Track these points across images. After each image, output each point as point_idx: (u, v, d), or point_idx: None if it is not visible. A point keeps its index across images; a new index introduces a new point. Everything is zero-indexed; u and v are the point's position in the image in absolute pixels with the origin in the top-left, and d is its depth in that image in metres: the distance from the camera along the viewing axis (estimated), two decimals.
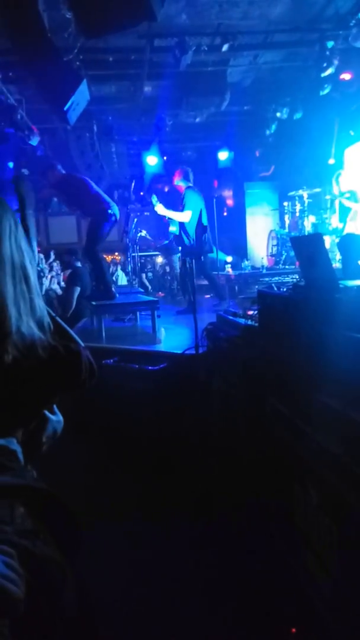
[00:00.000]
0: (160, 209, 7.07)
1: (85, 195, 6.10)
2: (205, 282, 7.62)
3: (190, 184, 7.22)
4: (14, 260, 1.09)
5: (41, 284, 8.78)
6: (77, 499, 1.22)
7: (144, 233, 10.73)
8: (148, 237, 10.77)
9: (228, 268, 9.59)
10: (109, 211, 6.09)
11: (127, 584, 2.49)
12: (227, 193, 13.18)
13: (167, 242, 10.22)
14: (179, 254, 9.98)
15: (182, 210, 6.94)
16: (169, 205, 7.14)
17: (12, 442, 1.00)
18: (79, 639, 0.93)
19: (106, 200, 6.14)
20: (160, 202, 7.05)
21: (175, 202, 7.24)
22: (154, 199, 7.11)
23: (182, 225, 7.05)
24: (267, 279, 8.04)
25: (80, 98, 5.89)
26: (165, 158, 11.31)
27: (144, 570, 2.61)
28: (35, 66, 5.49)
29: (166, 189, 14.40)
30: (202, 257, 7.09)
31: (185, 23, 6.76)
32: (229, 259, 10.21)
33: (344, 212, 8.40)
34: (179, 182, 7.23)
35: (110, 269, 11.82)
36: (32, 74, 5.68)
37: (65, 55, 5.84)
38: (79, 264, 7.83)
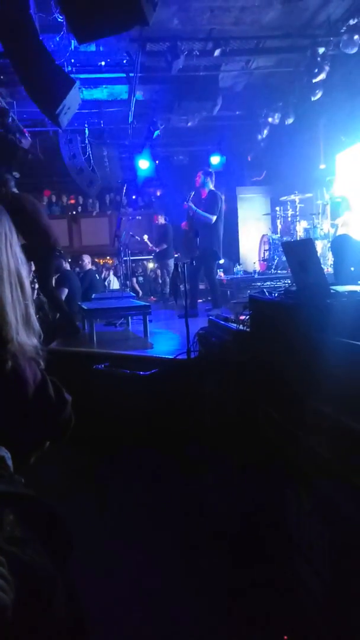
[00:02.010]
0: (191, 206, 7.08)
1: (35, 226, 5.41)
2: (200, 287, 7.61)
3: (212, 187, 7.22)
4: (10, 267, 1.11)
5: (33, 289, 8.76)
6: (66, 504, 1.21)
7: (145, 238, 10.71)
8: (149, 243, 10.72)
9: (220, 272, 9.59)
10: (57, 247, 5.80)
11: (119, 588, 2.48)
12: None
13: (165, 246, 10.19)
14: (173, 259, 9.99)
15: (213, 213, 6.94)
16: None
17: (1, 449, 0.99)
18: None
19: (54, 232, 5.74)
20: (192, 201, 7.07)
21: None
22: (192, 195, 7.11)
23: (203, 226, 6.90)
24: (259, 284, 8.06)
25: (72, 102, 5.86)
26: (157, 162, 11.32)
27: (136, 576, 2.59)
28: (27, 69, 5.47)
29: (158, 193, 14.41)
30: (212, 262, 7.11)
31: (177, 28, 6.80)
32: (221, 261, 10.23)
33: (336, 218, 8.42)
34: (204, 183, 7.19)
35: (103, 274, 11.77)
36: (23, 77, 5.66)
37: (57, 58, 5.84)
38: (66, 267, 7.93)
